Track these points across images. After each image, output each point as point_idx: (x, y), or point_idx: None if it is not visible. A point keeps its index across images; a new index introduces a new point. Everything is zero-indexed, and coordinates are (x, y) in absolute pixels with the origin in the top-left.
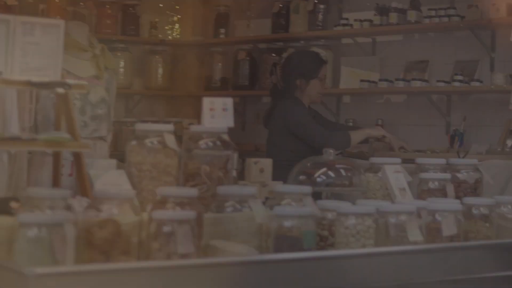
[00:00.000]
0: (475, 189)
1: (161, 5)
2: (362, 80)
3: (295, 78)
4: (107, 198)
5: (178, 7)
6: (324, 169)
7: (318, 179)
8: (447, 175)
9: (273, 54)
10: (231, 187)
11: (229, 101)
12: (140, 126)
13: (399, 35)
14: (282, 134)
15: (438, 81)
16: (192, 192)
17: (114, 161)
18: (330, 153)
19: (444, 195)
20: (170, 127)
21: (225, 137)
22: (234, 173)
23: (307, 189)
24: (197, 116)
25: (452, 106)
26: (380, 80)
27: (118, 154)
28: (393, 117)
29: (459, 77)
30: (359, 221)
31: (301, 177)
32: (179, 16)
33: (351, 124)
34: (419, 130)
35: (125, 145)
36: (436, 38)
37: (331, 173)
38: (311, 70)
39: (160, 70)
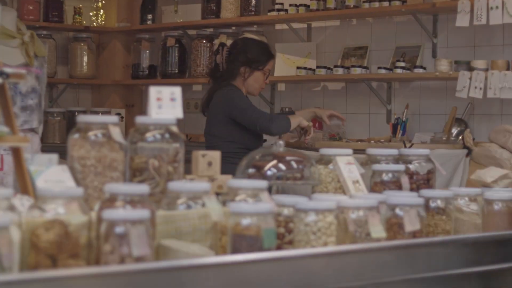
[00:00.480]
0: (427, 180)
1: None
2: (298, 67)
3: (240, 64)
4: (52, 197)
5: None
6: (274, 162)
7: (269, 172)
8: (401, 166)
9: (204, 41)
10: (183, 182)
11: (177, 91)
12: (83, 118)
13: (336, 20)
14: (222, 122)
15: (379, 67)
16: (144, 189)
17: (55, 156)
18: (279, 145)
19: (399, 187)
20: (115, 119)
21: (174, 129)
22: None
23: (263, 184)
24: (125, 105)
25: (394, 94)
26: (318, 67)
27: (49, 146)
28: (331, 105)
29: (401, 64)
30: (319, 218)
31: (250, 171)
32: (103, 2)
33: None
34: (359, 118)
35: (55, 137)
36: (376, 23)
37: (282, 166)
38: (259, 61)
39: (85, 58)
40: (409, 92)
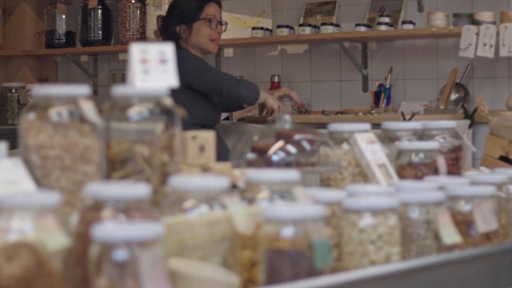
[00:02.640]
0: (456, 160)
1: None
2: (254, 28)
3: (173, 24)
4: (11, 209)
5: None
6: (281, 142)
7: (274, 157)
8: (434, 144)
9: (133, 1)
10: (191, 177)
11: (168, 49)
12: (41, 90)
13: None
14: (174, 95)
15: (357, 24)
16: (143, 191)
17: (3, 146)
18: (285, 120)
19: (433, 171)
20: (86, 90)
21: (167, 101)
22: None
23: (295, 175)
24: (37, 79)
25: (370, 56)
26: (279, 26)
27: None
28: (291, 72)
29: (385, 19)
30: (379, 220)
31: (250, 156)
32: None
33: None
34: (327, 87)
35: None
36: None
37: (291, 148)
38: (190, 9)
39: None
40: (389, 54)
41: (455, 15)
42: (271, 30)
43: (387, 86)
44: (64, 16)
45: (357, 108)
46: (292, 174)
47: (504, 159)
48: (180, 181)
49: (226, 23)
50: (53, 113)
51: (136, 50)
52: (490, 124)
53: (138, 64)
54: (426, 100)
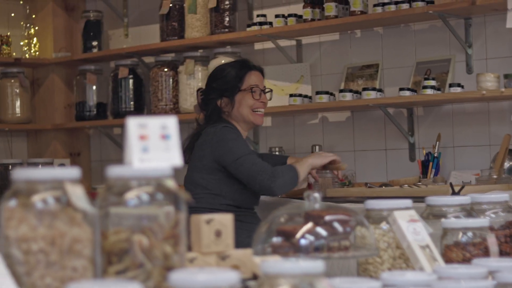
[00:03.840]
0: (510, 237)
1: (12, 14)
2: (292, 95)
3: (214, 98)
4: None
5: (34, 16)
6: (310, 225)
7: (303, 241)
8: (484, 221)
9: (165, 69)
10: (194, 274)
11: (171, 123)
12: (22, 174)
13: (334, 33)
14: (209, 168)
15: (401, 89)
16: None
17: None
18: (314, 198)
19: (484, 252)
20: (74, 172)
21: (169, 183)
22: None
23: (319, 265)
24: (69, 154)
25: (417, 123)
26: (318, 93)
27: None
28: (333, 142)
29: (431, 82)
30: None
31: (275, 240)
32: (36, 28)
33: (276, 153)
34: (372, 156)
35: None
36: (387, 34)
37: (321, 230)
38: (230, 81)
39: (17, 98)
40: (436, 120)
41: (506, 76)
42: (310, 97)
43: (436, 155)
44: (94, 87)
45: (403, 179)
46: (315, 265)
47: None
48: (183, 277)
49: (271, 90)
50: (37, 199)
51: (133, 125)
52: None
53: (136, 140)
54: (477, 169)
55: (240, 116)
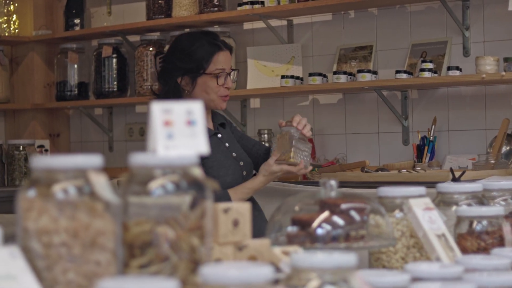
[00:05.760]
0: None
1: None
2: (283, 77)
3: (175, 75)
4: None
5: None
6: (326, 213)
7: (320, 231)
8: (499, 209)
9: (151, 48)
10: (230, 269)
11: (197, 108)
12: (42, 162)
13: (327, 14)
14: None
15: (397, 71)
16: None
17: None
18: (331, 186)
19: (499, 241)
20: (97, 160)
21: (196, 172)
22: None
23: (351, 259)
24: (48, 135)
25: (411, 106)
26: (311, 74)
27: None
28: (324, 125)
29: (429, 65)
30: None
31: (290, 229)
32: (16, 4)
33: (265, 136)
34: (364, 139)
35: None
36: (382, 15)
37: (338, 219)
38: (197, 60)
39: None
40: (432, 103)
41: (506, 60)
42: (302, 79)
43: (431, 139)
44: (76, 66)
45: (398, 163)
46: (348, 258)
47: None
48: (215, 272)
49: (237, 70)
50: (58, 189)
51: (158, 110)
52: None
53: (161, 127)
54: (473, 153)
55: (202, 99)
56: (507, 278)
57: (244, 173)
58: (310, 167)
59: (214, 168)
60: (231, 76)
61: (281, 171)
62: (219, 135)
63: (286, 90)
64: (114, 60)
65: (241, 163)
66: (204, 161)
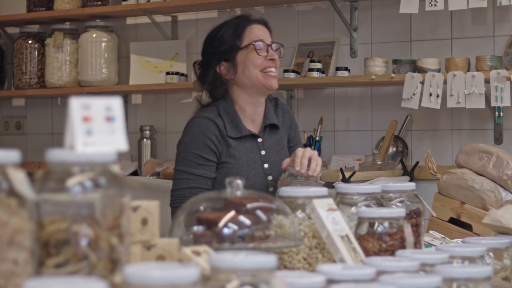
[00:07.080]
0: (416, 226)
1: None
2: (168, 73)
3: (212, 64)
4: None
5: None
6: (232, 213)
7: (226, 230)
8: (401, 211)
9: (30, 41)
10: (152, 270)
11: (116, 104)
12: None
13: (212, 11)
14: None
15: (285, 70)
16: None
17: None
18: (236, 185)
19: (399, 242)
20: (15, 156)
21: (115, 169)
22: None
23: (271, 260)
24: None
25: (297, 106)
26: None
27: None
28: None
29: (317, 65)
30: None
31: (196, 228)
32: None
33: (147, 132)
34: None
35: None
36: (269, 13)
37: (244, 219)
38: (228, 39)
39: None
40: (317, 103)
41: (395, 62)
42: (186, 75)
43: (317, 139)
44: None
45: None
46: (269, 259)
47: (455, 221)
48: (138, 272)
49: (281, 46)
50: None
51: (77, 105)
52: (440, 183)
53: (80, 123)
54: (358, 154)
55: (248, 80)
56: (421, 281)
57: (271, 189)
58: None
59: (230, 174)
60: (278, 52)
61: None
62: (259, 140)
63: (171, 86)
64: None
65: (270, 178)
66: (222, 163)
